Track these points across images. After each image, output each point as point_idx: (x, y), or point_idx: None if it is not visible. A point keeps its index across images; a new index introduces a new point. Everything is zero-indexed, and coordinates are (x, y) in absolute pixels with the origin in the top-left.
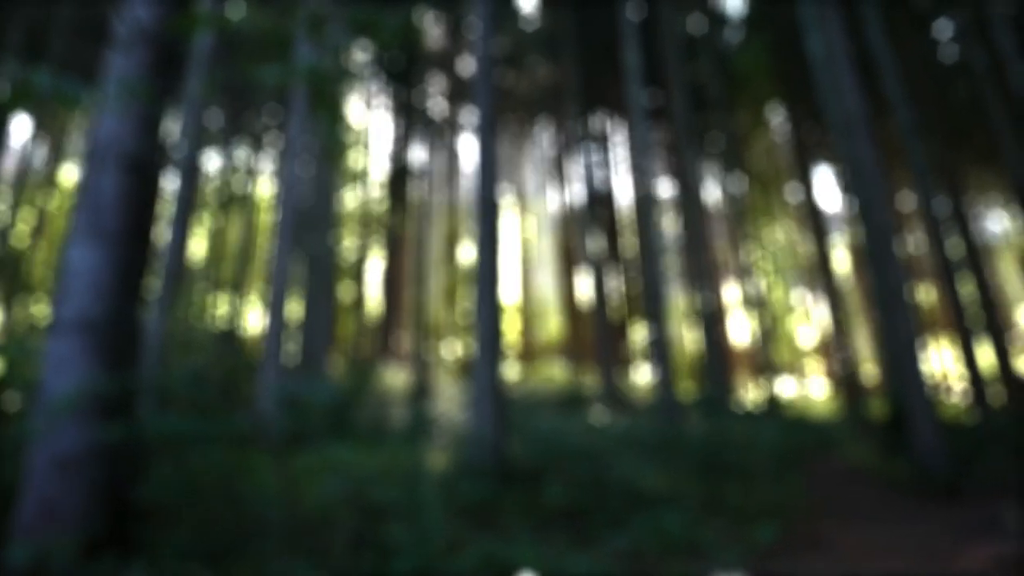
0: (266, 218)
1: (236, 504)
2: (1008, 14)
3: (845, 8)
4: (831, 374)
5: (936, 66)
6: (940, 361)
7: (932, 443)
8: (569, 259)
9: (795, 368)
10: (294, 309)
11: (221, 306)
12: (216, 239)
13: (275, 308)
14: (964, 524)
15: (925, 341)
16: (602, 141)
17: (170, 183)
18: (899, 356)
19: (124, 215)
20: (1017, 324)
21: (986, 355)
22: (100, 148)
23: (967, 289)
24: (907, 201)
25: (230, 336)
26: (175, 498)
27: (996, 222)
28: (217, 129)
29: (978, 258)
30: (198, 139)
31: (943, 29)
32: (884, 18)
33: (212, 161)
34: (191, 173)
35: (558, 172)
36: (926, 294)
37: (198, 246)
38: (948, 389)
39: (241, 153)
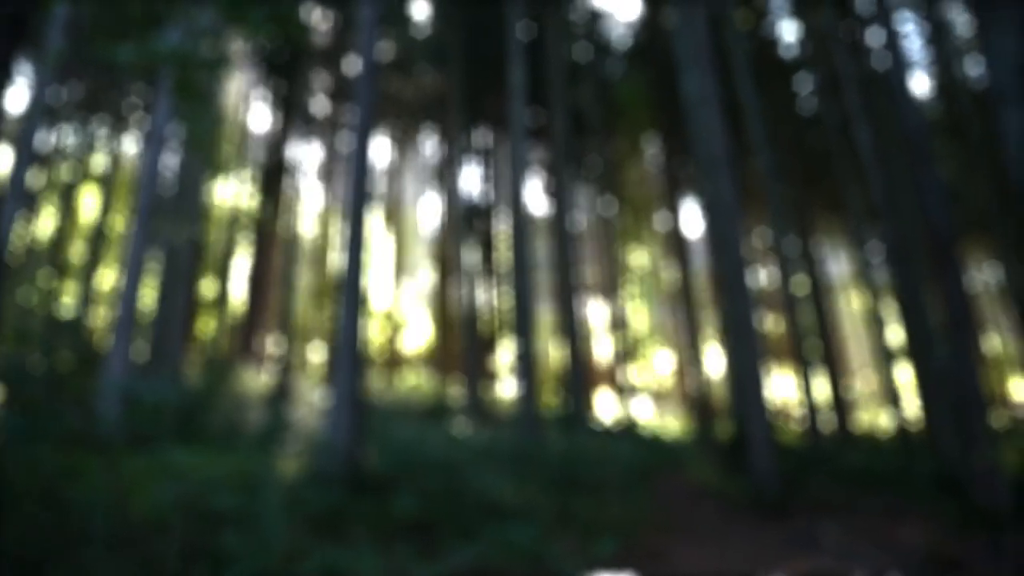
0: (124, 202)
1: (59, 509)
2: (855, 75)
3: (719, 53)
4: (685, 396)
5: (796, 116)
6: (783, 388)
7: (767, 464)
8: (443, 270)
9: (652, 388)
10: (148, 302)
11: (66, 294)
12: (65, 221)
13: (126, 300)
14: (788, 540)
15: (770, 369)
16: (484, 155)
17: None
18: (744, 381)
19: None
20: (850, 358)
21: (821, 384)
22: None
23: (808, 322)
24: (763, 237)
25: (74, 326)
26: None
27: (837, 263)
28: (74, 104)
29: (820, 294)
30: (47, 113)
31: (804, 83)
32: (753, 66)
33: (66, 138)
34: (36, 149)
35: (438, 181)
36: (774, 325)
37: (43, 228)
38: (787, 415)
39: (100, 132)
